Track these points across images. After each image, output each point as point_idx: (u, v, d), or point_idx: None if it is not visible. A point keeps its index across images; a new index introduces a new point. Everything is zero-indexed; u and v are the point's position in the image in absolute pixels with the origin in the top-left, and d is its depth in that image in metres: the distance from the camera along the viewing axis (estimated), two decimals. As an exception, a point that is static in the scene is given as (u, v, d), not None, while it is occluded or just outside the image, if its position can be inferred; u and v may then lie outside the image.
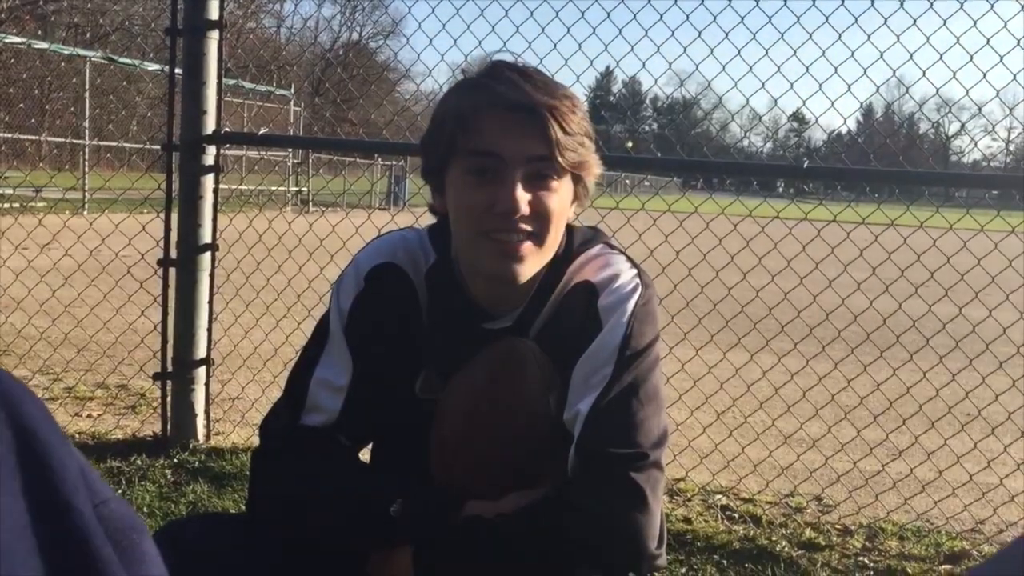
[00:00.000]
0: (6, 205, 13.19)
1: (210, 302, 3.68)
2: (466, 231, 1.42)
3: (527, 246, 1.39)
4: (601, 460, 1.34)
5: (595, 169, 1.45)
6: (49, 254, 5.17)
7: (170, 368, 3.68)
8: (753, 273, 3.94)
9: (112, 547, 0.59)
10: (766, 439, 4.04)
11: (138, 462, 3.46)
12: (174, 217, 3.65)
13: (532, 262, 1.41)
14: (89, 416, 4.11)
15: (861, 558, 3.01)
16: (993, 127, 4.28)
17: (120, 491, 3.16)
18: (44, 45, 19.36)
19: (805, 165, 3.43)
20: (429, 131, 1.46)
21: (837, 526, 3.27)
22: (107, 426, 3.94)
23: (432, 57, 4.17)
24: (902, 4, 3.14)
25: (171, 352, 3.68)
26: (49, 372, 4.76)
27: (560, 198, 1.41)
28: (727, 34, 3.46)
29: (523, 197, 1.36)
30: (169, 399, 3.70)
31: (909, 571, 2.92)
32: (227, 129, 3.82)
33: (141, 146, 20.08)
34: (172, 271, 3.64)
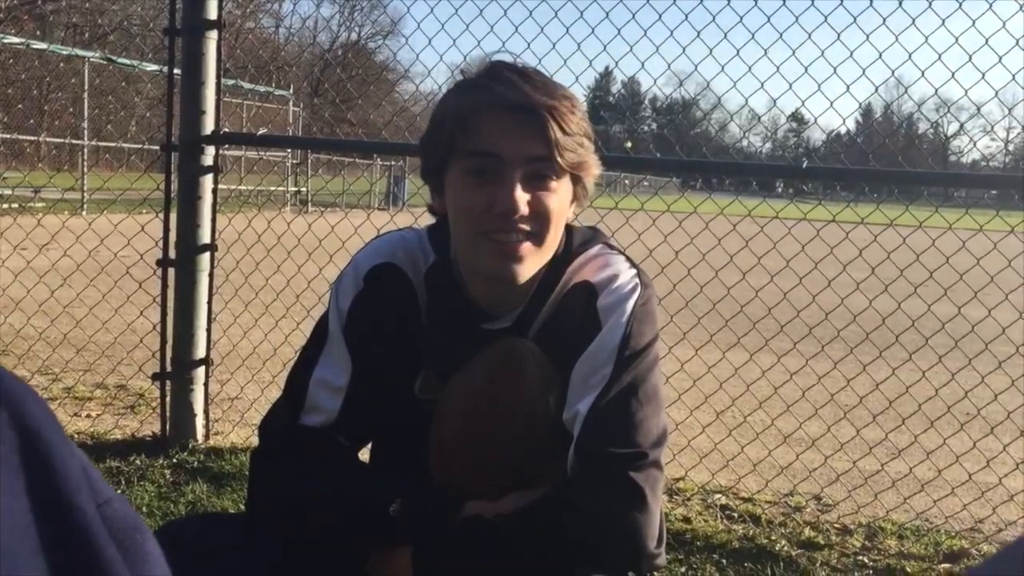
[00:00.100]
0: (5, 205, 13.20)
1: (209, 302, 3.68)
2: (465, 231, 1.42)
3: (526, 246, 1.39)
4: (600, 460, 1.34)
5: (594, 170, 1.45)
6: (48, 254, 5.17)
7: (169, 368, 3.68)
8: (752, 273, 3.94)
9: (115, 547, 0.59)
10: (765, 438, 4.04)
11: (137, 462, 3.46)
12: (173, 217, 3.65)
13: (531, 262, 1.41)
14: (88, 416, 4.11)
15: (860, 557, 3.01)
16: (992, 127, 4.28)
17: (119, 491, 3.16)
18: (43, 45, 19.35)
19: (804, 165, 3.43)
20: (428, 132, 1.46)
21: (836, 525, 3.28)
22: (106, 426, 3.94)
23: (431, 57, 4.16)
24: (901, 4, 3.15)
25: (170, 352, 3.68)
26: (48, 372, 4.76)
27: (559, 198, 1.41)
28: (726, 34, 3.47)
29: (522, 197, 1.36)
30: (168, 399, 3.70)
31: (908, 570, 2.92)
32: (226, 129, 3.83)
33: (140, 146, 20.09)
34: (171, 271, 3.64)
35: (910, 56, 3.28)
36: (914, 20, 3.19)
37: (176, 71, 3.71)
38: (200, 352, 3.68)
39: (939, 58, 3.29)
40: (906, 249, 3.40)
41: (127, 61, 19.50)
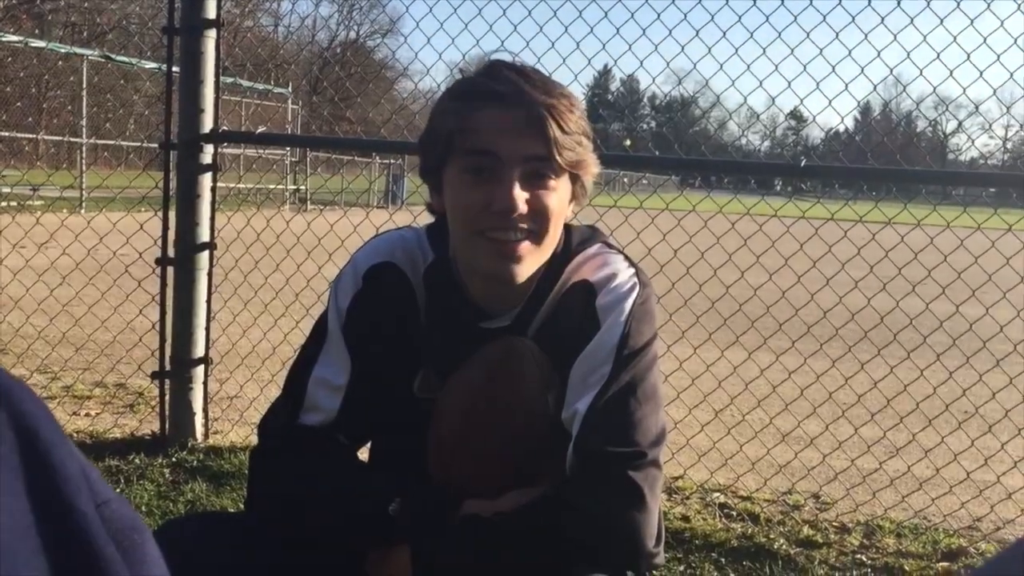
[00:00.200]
0: (3, 204, 13.19)
1: (208, 301, 3.68)
2: (463, 230, 1.42)
3: (525, 246, 1.39)
4: (599, 459, 1.34)
5: (593, 168, 1.45)
6: (47, 253, 5.16)
7: (168, 367, 3.68)
8: (751, 271, 3.94)
9: (114, 547, 0.59)
10: (764, 437, 4.04)
11: (136, 461, 3.46)
12: (172, 216, 3.65)
13: (530, 262, 1.41)
14: (87, 415, 4.11)
15: (859, 555, 3.02)
16: (990, 125, 4.29)
17: (118, 490, 3.16)
18: (41, 44, 19.33)
19: (803, 163, 3.43)
20: (427, 130, 1.46)
21: (835, 524, 3.28)
22: (105, 425, 3.94)
23: (430, 56, 4.17)
24: (899, 3, 3.15)
25: (169, 351, 3.67)
26: (47, 371, 4.75)
27: (558, 197, 1.41)
28: (724, 33, 3.47)
29: (520, 196, 1.36)
30: (167, 398, 3.70)
31: (907, 568, 2.92)
32: (225, 127, 3.82)
33: (139, 144, 20.07)
34: (170, 270, 3.64)
35: (908, 55, 3.28)
36: (912, 19, 3.20)
37: (175, 69, 3.71)
38: (199, 351, 3.68)
39: (937, 56, 3.29)
40: (904, 247, 3.40)
41: (126, 59, 19.50)
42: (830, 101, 3.62)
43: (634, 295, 1.44)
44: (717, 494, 3.48)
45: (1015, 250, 3.39)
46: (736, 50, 3.43)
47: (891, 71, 3.38)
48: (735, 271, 4.05)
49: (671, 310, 3.90)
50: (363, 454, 1.60)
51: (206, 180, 3.63)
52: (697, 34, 3.50)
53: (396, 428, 1.51)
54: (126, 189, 5.31)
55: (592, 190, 1.51)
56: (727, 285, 4.12)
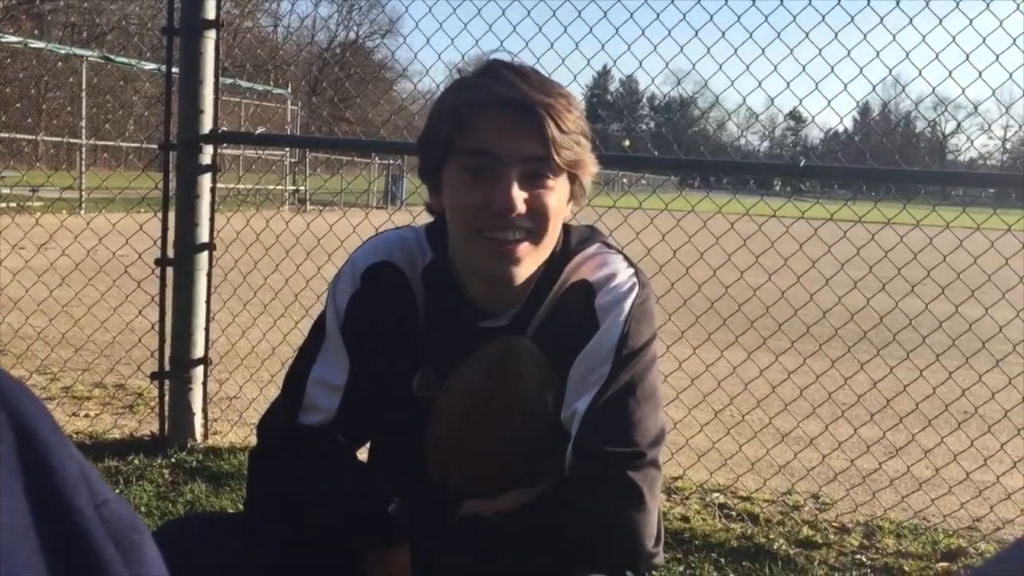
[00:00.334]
0: (3, 205, 13.18)
1: (207, 301, 3.67)
2: (462, 230, 1.42)
3: (524, 247, 1.39)
4: (598, 459, 1.34)
5: (591, 168, 1.45)
6: (46, 254, 5.16)
7: (167, 367, 3.68)
8: (750, 272, 3.94)
9: (113, 547, 0.59)
10: (763, 437, 4.04)
11: (136, 462, 3.46)
12: (171, 216, 3.65)
13: (529, 263, 1.41)
14: (87, 416, 4.11)
15: (858, 556, 3.01)
16: (989, 126, 4.30)
17: (118, 491, 3.16)
18: (40, 44, 19.32)
19: (802, 164, 3.43)
20: (426, 130, 1.46)
21: (834, 524, 3.28)
22: (105, 426, 3.93)
23: (429, 56, 4.16)
24: (898, 3, 3.15)
25: (168, 351, 3.67)
26: (46, 372, 4.75)
27: (557, 196, 1.41)
28: (724, 33, 3.47)
29: (519, 196, 1.36)
30: (167, 398, 3.70)
31: (906, 568, 2.92)
32: (224, 128, 3.82)
33: (138, 145, 20.07)
34: (169, 270, 3.64)
35: (907, 55, 3.28)
36: (911, 19, 3.20)
37: (174, 70, 3.71)
38: (198, 351, 3.68)
39: (936, 57, 3.29)
40: (904, 248, 3.40)
41: (125, 60, 19.49)
42: (829, 101, 3.62)
43: (633, 295, 1.44)
44: (717, 494, 3.48)
45: (1014, 250, 3.40)
46: (735, 50, 3.43)
47: (890, 71, 3.38)
48: (734, 271, 4.05)
49: (670, 310, 3.90)
50: (363, 454, 1.60)
51: (205, 181, 3.63)
52: (696, 34, 3.51)
53: (395, 428, 1.51)
54: (125, 190, 5.31)
55: (591, 190, 1.52)
56: (726, 285, 4.12)
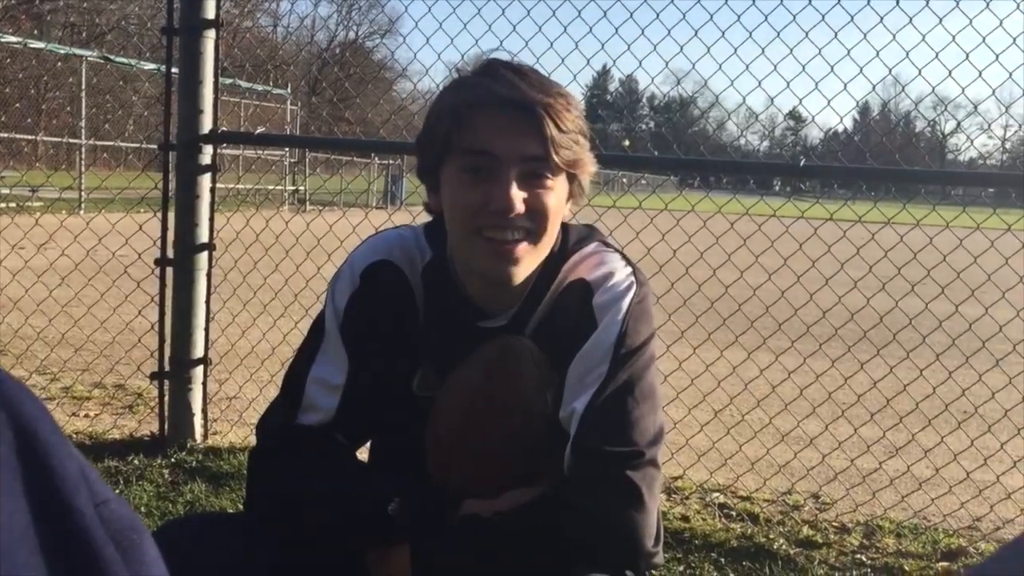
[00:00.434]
0: (2, 205, 13.18)
1: (207, 301, 3.67)
2: (460, 230, 1.42)
3: (523, 247, 1.39)
4: (597, 459, 1.34)
5: (590, 167, 1.45)
6: (46, 254, 5.16)
7: (167, 368, 3.68)
8: (750, 271, 3.95)
9: (113, 547, 0.59)
10: (763, 437, 4.04)
11: (135, 462, 3.46)
12: (171, 216, 3.65)
13: (527, 263, 1.41)
14: (86, 416, 4.11)
15: (858, 556, 3.01)
16: (989, 125, 4.30)
17: (118, 491, 3.16)
18: (40, 44, 19.31)
19: (802, 163, 3.43)
20: (424, 129, 1.46)
21: (834, 524, 3.28)
22: (104, 426, 3.93)
23: (429, 56, 4.16)
24: (898, 3, 3.15)
25: (168, 351, 3.67)
26: (46, 372, 4.75)
27: (556, 196, 1.40)
28: (723, 33, 3.47)
29: (518, 196, 1.36)
30: (166, 399, 3.70)
31: (906, 568, 2.92)
32: (224, 128, 3.82)
33: (138, 145, 20.07)
34: (169, 271, 3.64)
35: (907, 54, 3.28)
36: (911, 19, 3.20)
37: (174, 70, 3.70)
38: (198, 351, 3.68)
39: (936, 56, 3.29)
40: (903, 247, 3.40)
41: (125, 60, 19.48)
42: (829, 101, 3.62)
43: (631, 294, 1.43)
44: (717, 494, 3.48)
45: (1014, 250, 3.40)
46: (735, 50, 3.43)
47: (890, 71, 3.38)
48: (734, 271, 4.05)
49: (670, 310, 3.90)
50: (363, 454, 1.60)
51: (205, 181, 3.63)
52: (696, 34, 3.51)
53: (395, 427, 1.51)
54: (125, 190, 5.31)
55: (589, 189, 1.51)
56: (726, 285, 4.12)
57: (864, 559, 2.99)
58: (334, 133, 7.74)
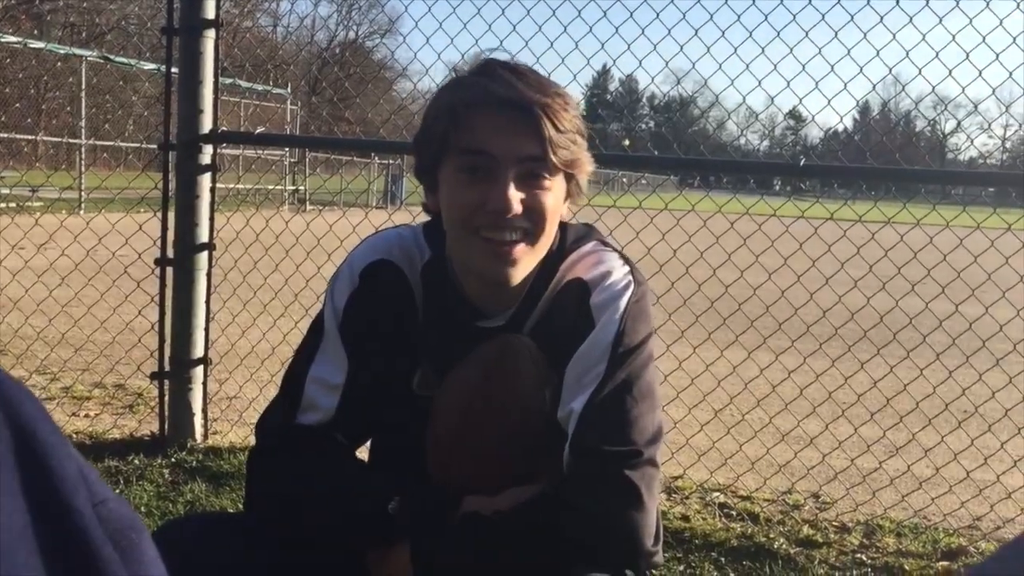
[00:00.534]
0: (2, 205, 13.18)
1: (207, 301, 3.67)
2: (457, 230, 1.41)
3: (520, 248, 1.39)
4: (595, 458, 1.34)
5: (587, 166, 1.45)
6: (46, 254, 5.16)
7: (167, 367, 3.68)
8: (750, 271, 3.94)
9: (112, 547, 0.59)
10: (763, 437, 4.04)
11: (136, 462, 3.46)
12: (171, 216, 3.65)
13: (525, 264, 1.41)
14: (86, 416, 4.11)
15: (859, 555, 3.01)
16: (989, 125, 4.30)
17: (118, 491, 3.16)
18: (40, 44, 19.31)
19: (802, 163, 3.43)
20: (422, 129, 1.45)
21: (835, 523, 3.28)
22: (104, 426, 3.93)
23: (429, 56, 4.16)
24: (898, 2, 3.15)
25: (168, 351, 3.67)
26: (46, 372, 4.75)
27: (553, 196, 1.40)
28: (723, 32, 3.47)
29: (515, 196, 1.36)
30: (166, 398, 3.70)
31: (907, 567, 2.92)
32: (224, 128, 3.82)
33: (138, 145, 20.08)
34: (169, 270, 3.64)
35: (907, 54, 3.28)
36: (911, 18, 3.20)
37: (174, 70, 3.70)
38: (198, 351, 3.68)
39: (936, 56, 3.29)
40: (904, 247, 3.40)
41: (125, 60, 19.49)
42: (829, 101, 3.62)
43: (628, 293, 1.43)
44: (717, 494, 3.48)
45: (1014, 249, 3.39)
46: (735, 50, 3.43)
47: (890, 70, 3.38)
48: (734, 271, 4.05)
49: (670, 310, 3.90)
50: (364, 454, 1.60)
51: (205, 181, 3.63)
52: (696, 33, 3.51)
53: (395, 427, 1.51)
54: (125, 190, 5.31)
55: (588, 188, 1.51)
56: (726, 285, 4.12)
57: (864, 558, 2.99)
58: (334, 133, 7.75)
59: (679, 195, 4.41)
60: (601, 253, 1.49)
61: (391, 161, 24.77)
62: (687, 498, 3.44)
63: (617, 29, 3.66)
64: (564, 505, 1.33)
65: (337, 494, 1.40)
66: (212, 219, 3.64)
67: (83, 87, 17.67)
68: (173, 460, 3.50)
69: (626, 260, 1.50)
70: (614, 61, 3.82)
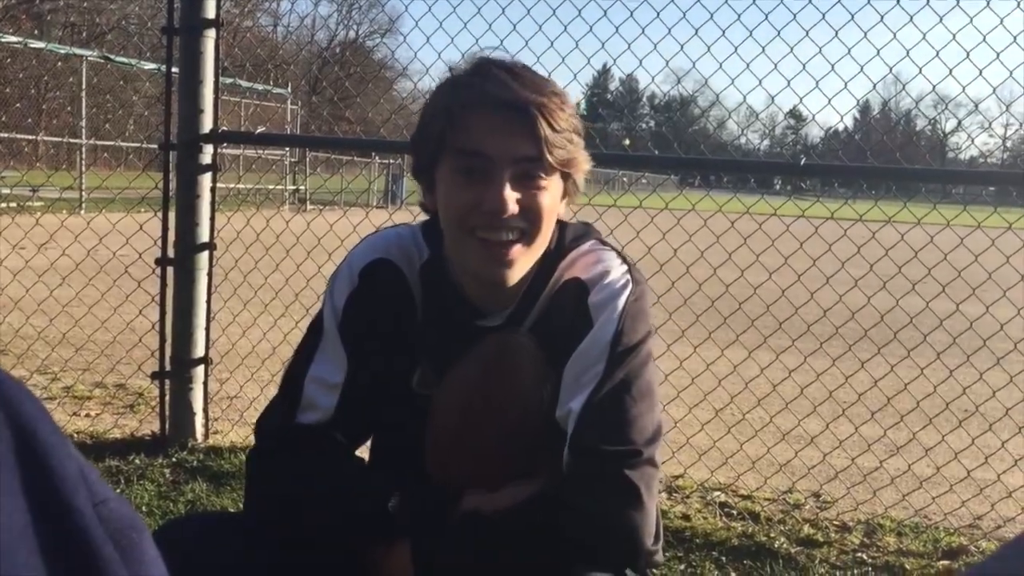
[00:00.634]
0: (3, 205, 13.19)
1: (208, 301, 3.68)
2: (454, 230, 1.41)
3: (516, 248, 1.38)
4: (594, 458, 1.34)
5: (584, 165, 1.45)
6: (46, 254, 5.16)
7: (168, 367, 3.68)
8: (751, 270, 3.94)
9: (112, 546, 0.59)
10: (764, 436, 4.04)
11: (136, 461, 3.46)
12: (171, 216, 3.65)
13: (521, 264, 1.40)
14: (87, 415, 4.11)
15: (859, 554, 3.01)
16: (990, 124, 4.30)
17: (119, 490, 3.16)
18: (40, 44, 19.34)
19: (802, 162, 3.43)
20: (418, 128, 1.45)
21: (835, 522, 3.28)
22: (105, 425, 3.94)
23: (429, 55, 4.16)
24: (898, 1, 3.15)
25: (169, 351, 3.67)
26: (47, 372, 4.75)
27: (550, 196, 1.40)
28: (724, 31, 3.47)
29: (511, 197, 1.36)
30: (167, 398, 3.70)
31: (907, 567, 2.92)
32: (224, 128, 3.82)
33: (138, 145, 20.09)
34: (170, 270, 3.64)
35: (908, 53, 3.28)
36: (912, 17, 3.20)
37: (174, 70, 3.70)
38: (199, 351, 3.68)
39: (937, 55, 3.29)
40: (904, 246, 3.40)
41: (125, 60, 19.50)
42: (829, 100, 3.62)
43: (627, 292, 1.43)
44: (717, 493, 3.48)
45: (1015, 248, 3.39)
46: (735, 49, 3.43)
47: (890, 69, 3.38)
48: (735, 270, 4.05)
49: (671, 309, 3.90)
50: (364, 453, 1.60)
51: (205, 180, 3.63)
52: (696, 33, 3.51)
53: (395, 426, 1.51)
54: (125, 190, 5.31)
55: (587, 187, 1.51)
56: (727, 284, 4.12)
57: (865, 558, 2.99)
58: (334, 132, 7.74)
59: (679, 194, 4.42)
60: (599, 252, 1.49)
61: (392, 161, 24.77)
62: (688, 497, 3.44)
63: (617, 28, 3.66)
64: (563, 505, 1.33)
65: (337, 493, 1.40)
66: (213, 219, 3.64)
67: (83, 87, 17.68)
68: (174, 460, 3.50)
69: (624, 259, 1.50)
70: (614, 60, 3.82)
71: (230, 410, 4.27)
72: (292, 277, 4.60)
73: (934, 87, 3.49)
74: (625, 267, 1.47)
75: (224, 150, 15.27)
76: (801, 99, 3.76)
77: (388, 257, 1.50)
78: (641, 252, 2.76)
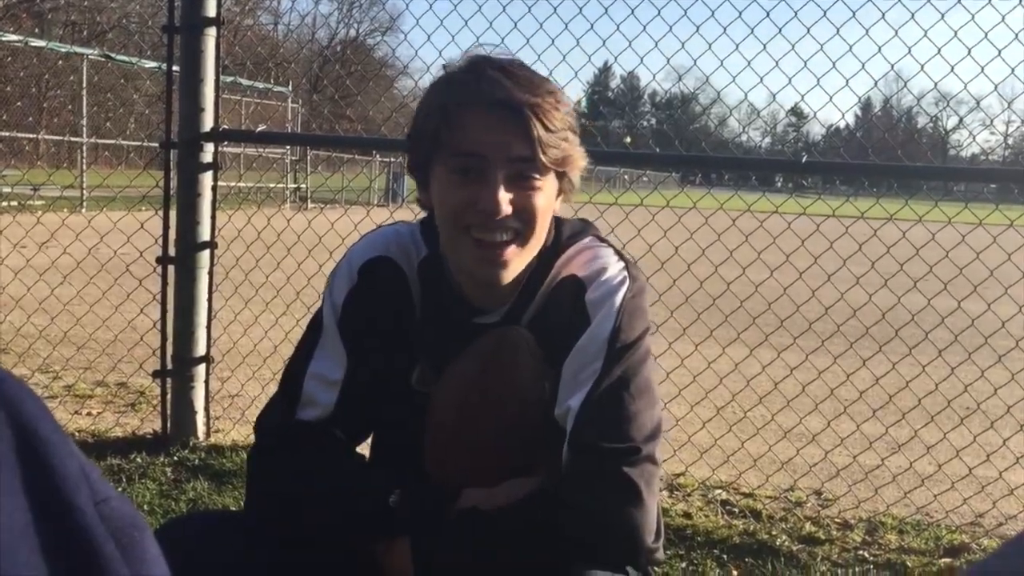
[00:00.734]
0: (4, 203, 13.19)
1: (209, 299, 3.68)
2: (449, 228, 1.41)
3: (511, 249, 1.38)
4: (594, 455, 1.33)
5: (580, 162, 1.44)
6: (47, 252, 5.17)
7: (170, 366, 3.68)
8: (752, 268, 3.94)
9: (113, 545, 0.59)
10: (766, 434, 4.04)
11: (138, 460, 3.46)
12: (172, 215, 3.65)
13: (515, 265, 1.40)
14: (89, 414, 4.11)
15: (861, 552, 3.01)
16: (991, 121, 4.29)
17: (120, 489, 3.16)
18: (41, 43, 19.33)
19: (804, 160, 3.43)
20: (414, 126, 1.45)
21: (837, 520, 3.28)
22: (107, 424, 3.94)
23: (429, 53, 4.17)
24: (900, -2, 3.14)
25: (170, 350, 3.68)
26: (48, 370, 4.76)
27: (545, 195, 1.40)
28: (725, 29, 3.46)
29: (505, 197, 1.35)
30: (169, 397, 3.70)
31: (909, 564, 2.92)
32: (225, 126, 3.82)
33: (139, 143, 20.09)
34: (171, 268, 3.64)
35: (909, 50, 3.27)
36: (913, 14, 3.19)
37: (175, 68, 3.70)
38: (200, 349, 3.68)
39: (938, 52, 3.28)
40: (906, 243, 3.40)
41: (126, 58, 19.51)
42: (831, 97, 3.61)
43: (624, 289, 1.42)
44: (719, 491, 3.48)
45: (1017, 246, 3.39)
46: (736, 46, 3.43)
47: (892, 67, 3.38)
48: (736, 268, 4.05)
49: (672, 307, 3.90)
50: (365, 450, 1.60)
51: (207, 179, 3.63)
52: (697, 30, 3.50)
53: (395, 423, 1.51)
54: (127, 188, 5.31)
55: (585, 184, 1.51)
56: (728, 282, 4.12)
57: (867, 555, 2.99)
58: (335, 131, 7.74)
59: (681, 192, 4.41)
60: (597, 249, 1.49)
61: (393, 159, 24.72)
62: (689, 495, 3.44)
63: (619, 26, 3.66)
64: (563, 503, 1.32)
65: (337, 491, 1.40)
66: (214, 217, 3.64)
67: (84, 85, 17.69)
68: (175, 458, 3.50)
69: (621, 256, 1.49)
70: (615, 58, 3.84)
71: (231, 409, 4.27)
72: (293, 275, 4.60)
73: (935, 84, 3.48)
74: (622, 264, 1.47)
75: (225, 148, 15.28)
76: (802, 96, 3.75)
77: (387, 254, 1.50)
78: (643, 250, 2.76)
